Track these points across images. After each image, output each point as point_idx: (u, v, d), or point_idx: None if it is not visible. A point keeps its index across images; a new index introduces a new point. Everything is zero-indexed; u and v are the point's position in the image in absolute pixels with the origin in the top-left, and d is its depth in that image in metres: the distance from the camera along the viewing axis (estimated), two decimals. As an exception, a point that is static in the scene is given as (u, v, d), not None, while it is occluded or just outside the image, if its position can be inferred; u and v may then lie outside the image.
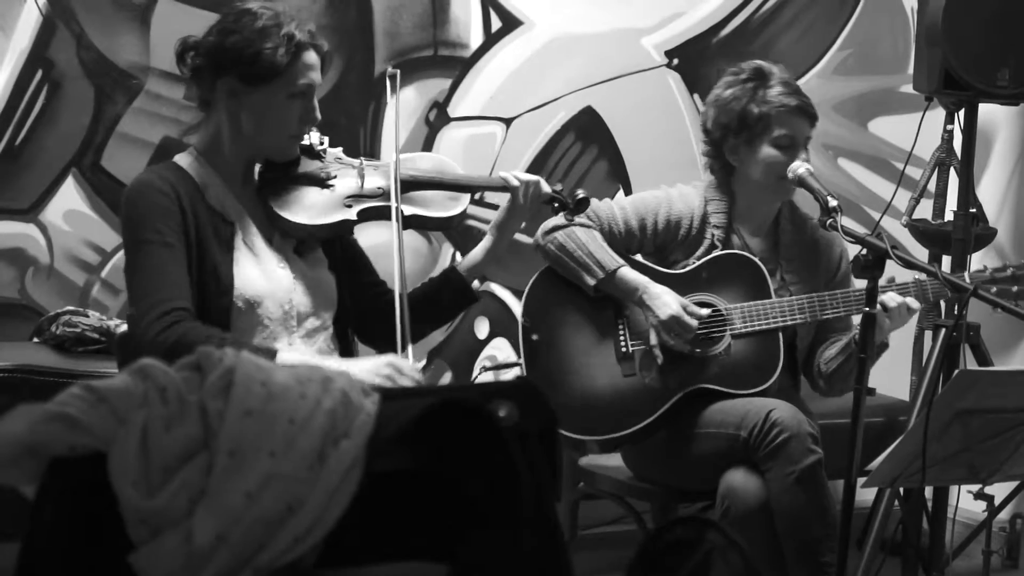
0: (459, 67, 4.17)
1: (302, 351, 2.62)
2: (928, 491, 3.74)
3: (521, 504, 1.67)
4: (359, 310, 2.82)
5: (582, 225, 3.13)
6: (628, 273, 3.10)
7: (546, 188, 2.86)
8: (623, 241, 3.17)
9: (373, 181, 2.74)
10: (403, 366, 2.49)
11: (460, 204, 2.80)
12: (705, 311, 3.09)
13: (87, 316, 3.56)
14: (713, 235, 3.18)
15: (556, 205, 2.91)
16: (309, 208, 2.67)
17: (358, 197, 2.72)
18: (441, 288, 2.87)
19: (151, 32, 3.77)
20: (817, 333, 3.26)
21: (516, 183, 2.82)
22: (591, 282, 3.09)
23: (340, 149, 2.81)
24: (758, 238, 3.24)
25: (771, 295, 3.12)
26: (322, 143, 2.76)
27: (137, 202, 2.58)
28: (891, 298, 3.03)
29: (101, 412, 1.56)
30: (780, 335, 3.10)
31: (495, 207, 2.91)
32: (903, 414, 4.07)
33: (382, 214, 2.68)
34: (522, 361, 3.16)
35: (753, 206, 3.22)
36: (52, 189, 3.73)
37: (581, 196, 2.93)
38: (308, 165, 2.73)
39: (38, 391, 1.65)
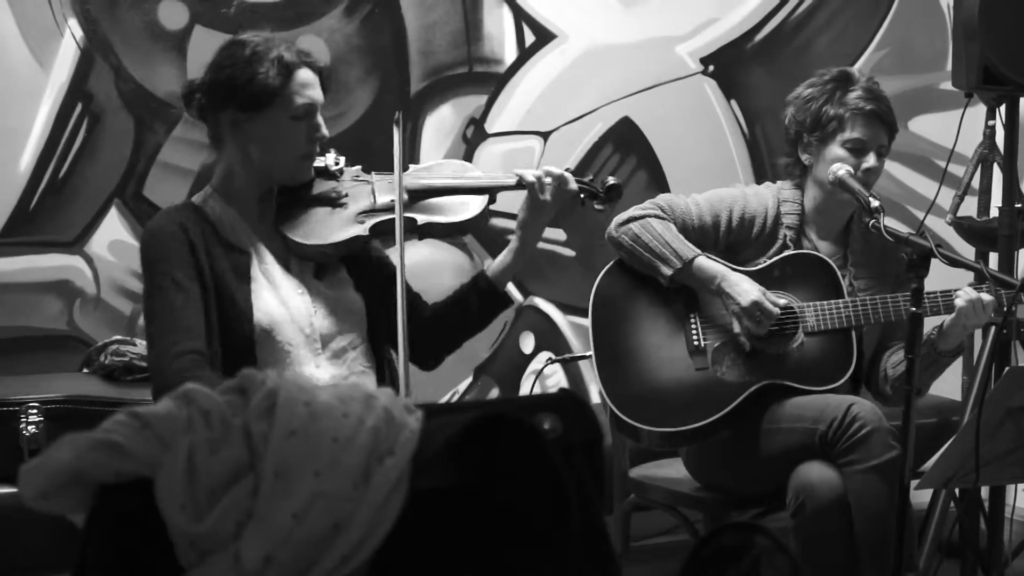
0: (494, 83, 4.18)
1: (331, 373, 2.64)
2: (985, 491, 3.69)
3: (568, 517, 1.66)
4: (394, 326, 2.81)
5: (657, 217, 3.12)
6: (706, 262, 3.10)
7: (573, 184, 2.79)
8: (696, 236, 3.16)
9: (385, 196, 2.72)
10: None
11: (474, 207, 2.75)
12: (783, 301, 3.09)
13: (135, 345, 3.59)
14: (785, 235, 3.18)
15: (584, 196, 2.83)
16: (320, 228, 2.68)
17: (370, 212, 2.71)
18: (470, 293, 2.85)
19: (188, 60, 3.80)
20: (880, 341, 3.23)
21: (531, 179, 2.76)
22: (668, 272, 3.09)
23: (358, 168, 2.79)
24: (827, 242, 3.24)
25: (844, 295, 3.12)
26: (338, 163, 2.75)
27: (149, 247, 2.61)
28: (963, 295, 3.02)
29: (146, 438, 1.57)
30: (853, 333, 3.10)
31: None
32: (955, 414, 4.02)
33: (394, 227, 2.62)
34: (592, 353, 3.14)
35: (824, 209, 3.22)
36: (96, 220, 3.78)
37: (612, 183, 2.86)
38: (321, 187, 2.73)
39: (89, 421, 1.66)
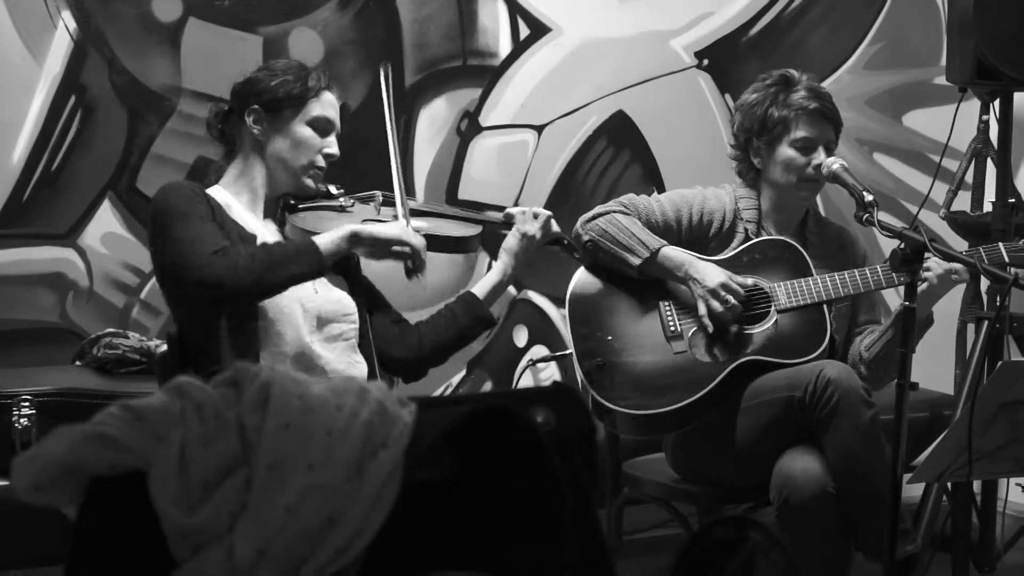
0: (489, 76, 4.17)
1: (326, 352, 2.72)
2: (977, 485, 3.70)
3: (562, 510, 1.66)
4: (381, 343, 2.91)
5: (622, 213, 3.16)
6: (672, 251, 3.16)
7: (555, 227, 3.00)
8: (660, 233, 3.21)
9: (388, 212, 2.88)
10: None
11: (471, 230, 2.92)
12: (749, 280, 3.12)
13: (127, 338, 3.59)
14: (746, 229, 3.23)
15: (566, 243, 3.05)
16: (326, 224, 2.78)
17: (374, 221, 2.83)
18: (457, 312, 2.97)
19: (182, 53, 3.80)
20: (849, 327, 3.27)
21: (516, 211, 2.98)
22: (635, 262, 3.13)
23: (356, 199, 2.94)
24: (785, 235, 3.29)
25: (812, 274, 3.15)
26: (340, 190, 2.90)
27: (169, 194, 2.69)
28: (931, 265, 3.04)
29: (139, 430, 1.56)
30: (825, 307, 3.13)
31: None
32: (947, 408, 4.03)
33: None
34: (572, 351, 3.18)
35: (779, 207, 3.29)
36: (89, 213, 3.77)
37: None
38: (327, 201, 2.89)
39: (82, 414, 1.65)
